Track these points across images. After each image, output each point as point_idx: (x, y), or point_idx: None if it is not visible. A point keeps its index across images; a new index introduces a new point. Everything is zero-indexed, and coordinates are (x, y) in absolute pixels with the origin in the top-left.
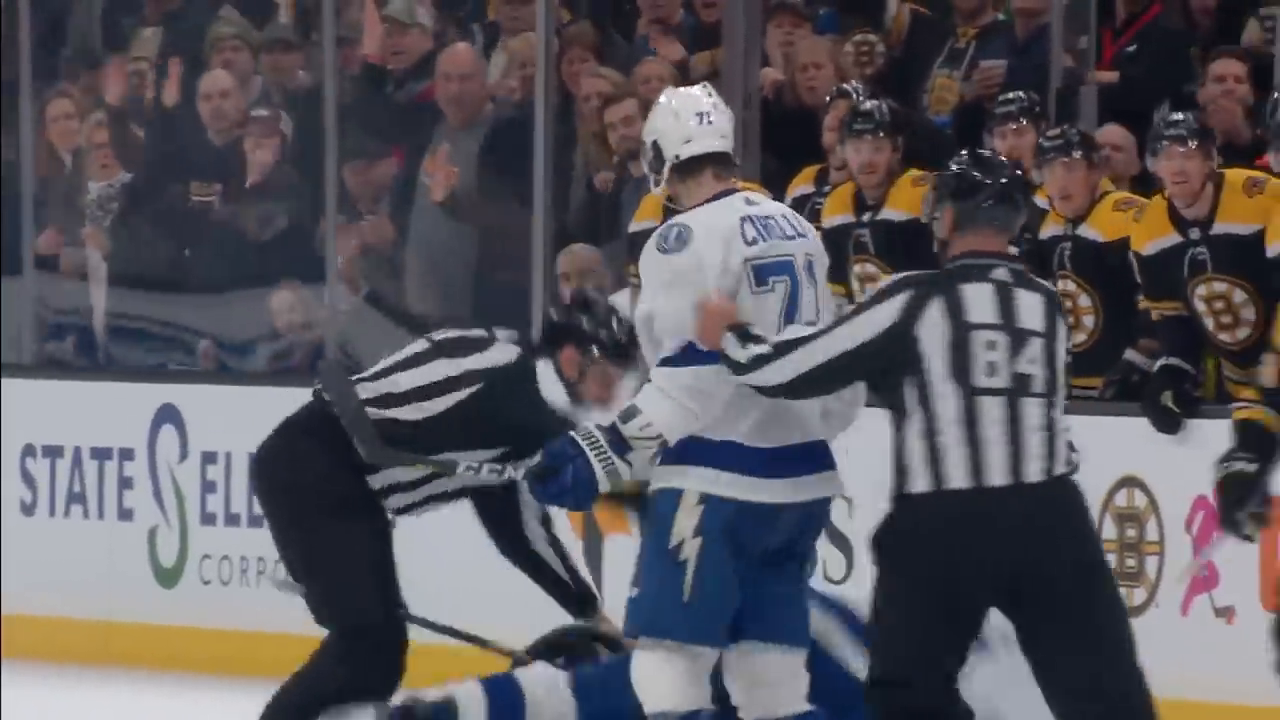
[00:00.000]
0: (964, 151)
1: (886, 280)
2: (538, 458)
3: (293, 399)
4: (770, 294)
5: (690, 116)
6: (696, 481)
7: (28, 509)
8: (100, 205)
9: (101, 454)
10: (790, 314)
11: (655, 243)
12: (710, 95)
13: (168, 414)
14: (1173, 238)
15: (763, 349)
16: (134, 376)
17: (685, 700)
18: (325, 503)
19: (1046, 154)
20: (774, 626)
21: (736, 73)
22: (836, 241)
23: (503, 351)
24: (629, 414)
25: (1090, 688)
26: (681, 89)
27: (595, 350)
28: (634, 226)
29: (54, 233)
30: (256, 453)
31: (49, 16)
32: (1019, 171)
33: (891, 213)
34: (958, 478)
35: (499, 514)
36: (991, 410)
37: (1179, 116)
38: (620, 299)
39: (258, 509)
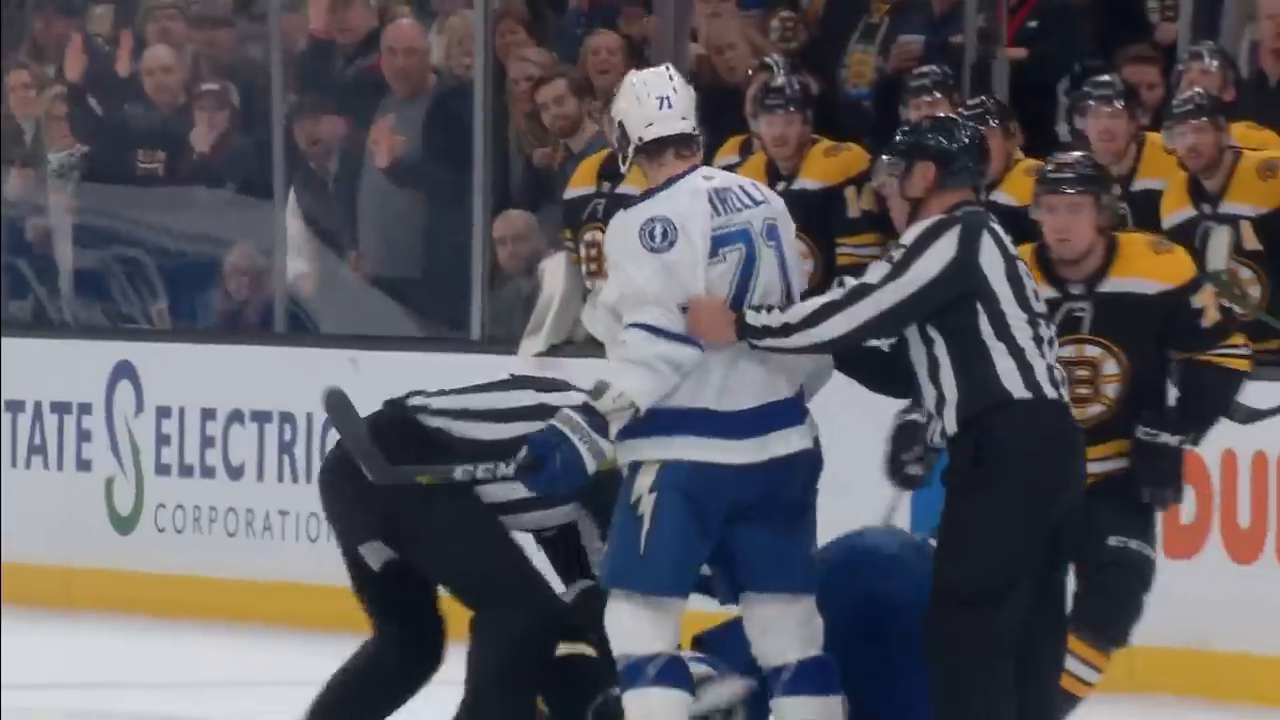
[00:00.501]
0: (931, 119)
1: (927, 223)
2: (523, 452)
3: (245, 355)
4: (722, 264)
5: (651, 100)
6: (652, 449)
7: None
8: (60, 173)
9: (61, 408)
10: (744, 280)
11: (639, 238)
12: (672, 77)
13: (124, 370)
14: (1188, 211)
15: (832, 295)
16: (92, 334)
17: (646, 644)
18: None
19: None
20: (770, 576)
21: (668, 48)
22: None
23: (577, 396)
24: (599, 390)
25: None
26: (646, 71)
27: None
28: (569, 193)
29: (18, 177)
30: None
31: None
32: (976, 128)
33: (805, 182)
34: (1049, 391)
35: (564, 558)
36: (1045, 333)
37: (1106, 78)
38: (553, 264)
39: (210, 460)
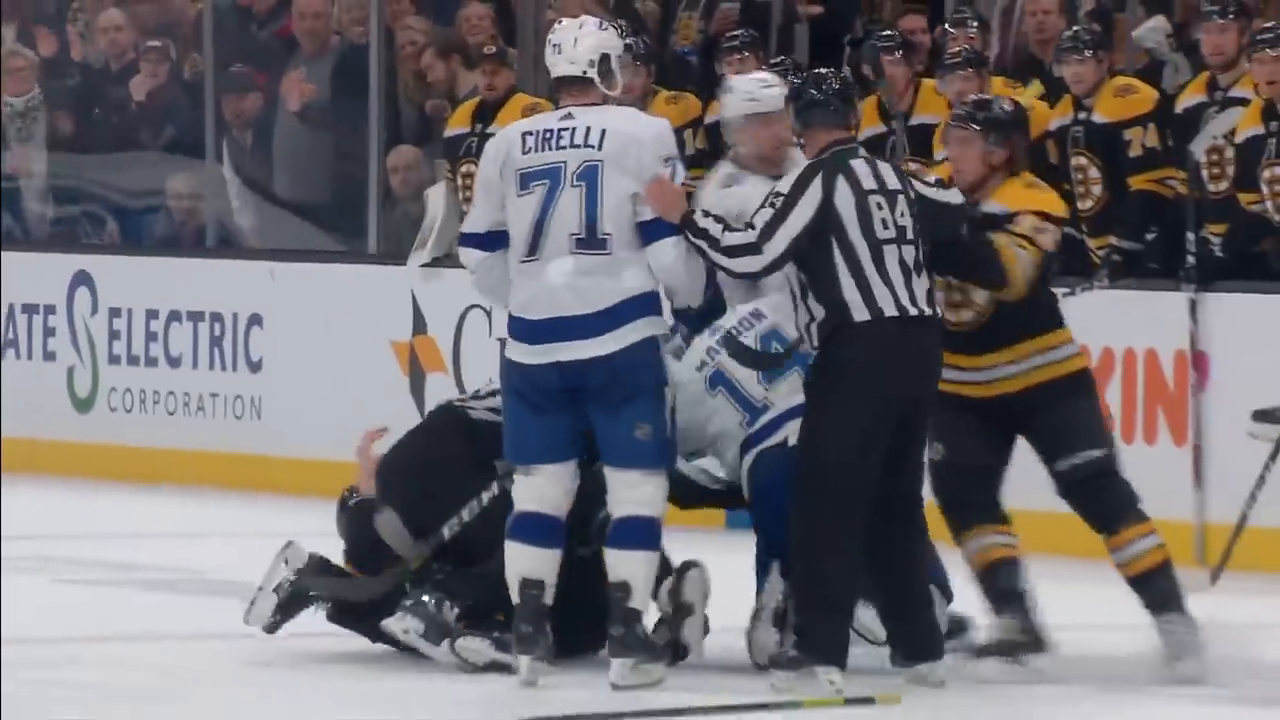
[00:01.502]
0: (805, 72)
1: (798, 170)
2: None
3: (181, 266)
4: (529, 196)
5: (549, 46)
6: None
7: None
8: (20, 116)
9: (30, 309)
10: (543, 214)
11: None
12: (570, 29)
13: (82, 278)
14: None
15: (747, 236)
16: (56, 248)
17: (521, 503)
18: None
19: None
20: (604, 450)
21: (529, 17)
22: None
23: None
24: None
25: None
26: (565, 22)
27: None
28: (448, 133)
29: None
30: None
31: None
32: (845, 77)
33: None
34: (888, 309)
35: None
36: (900, 257)
37: (888, 32)
38: (435, 191)
39: (153, 352)
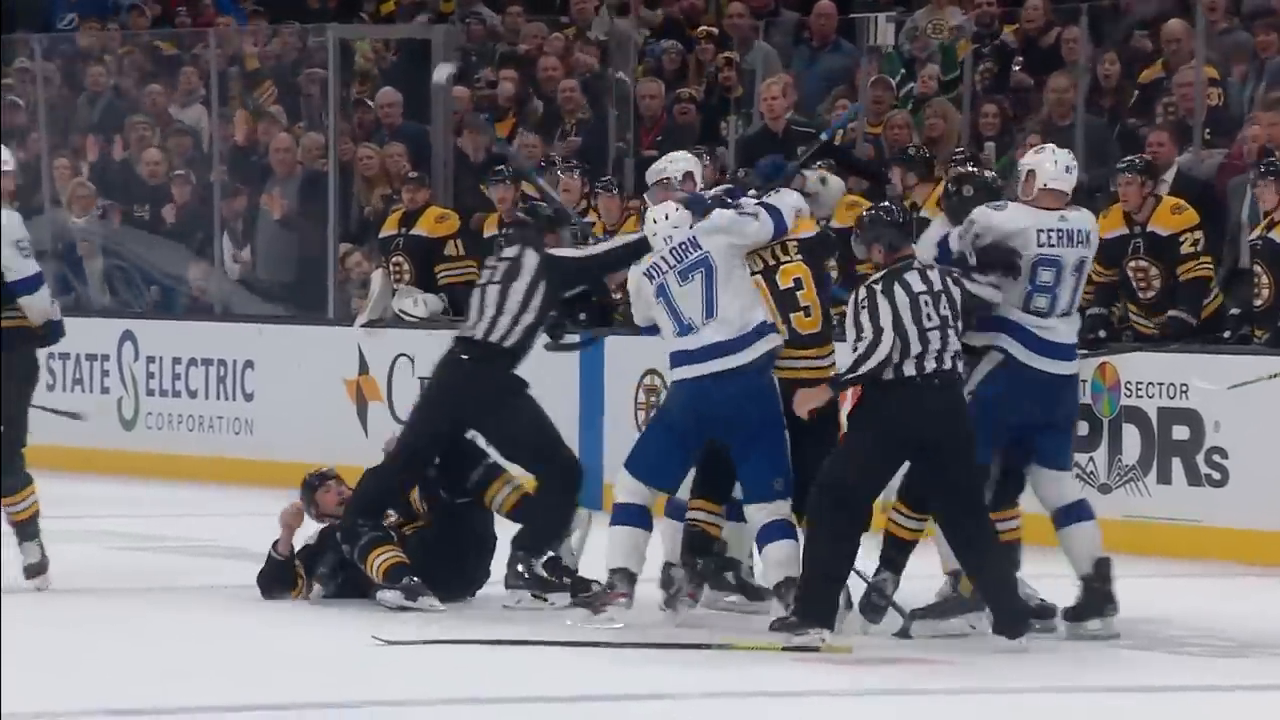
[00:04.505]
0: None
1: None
2: None
3: (198, 328)
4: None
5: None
6: None
7: None
8: (83, 230)
9: (91, 357)
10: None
11: None
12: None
13: (127, 335)
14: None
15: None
16: (108, 314)
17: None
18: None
19: None
20: None
21: (439, 144)
22: None
23: None
24: None
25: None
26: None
27: None
28: (382, 234)
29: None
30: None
31: None
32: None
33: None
34: (910, 371)
35: None
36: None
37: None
38: (375, 275)
39: (178, 387)
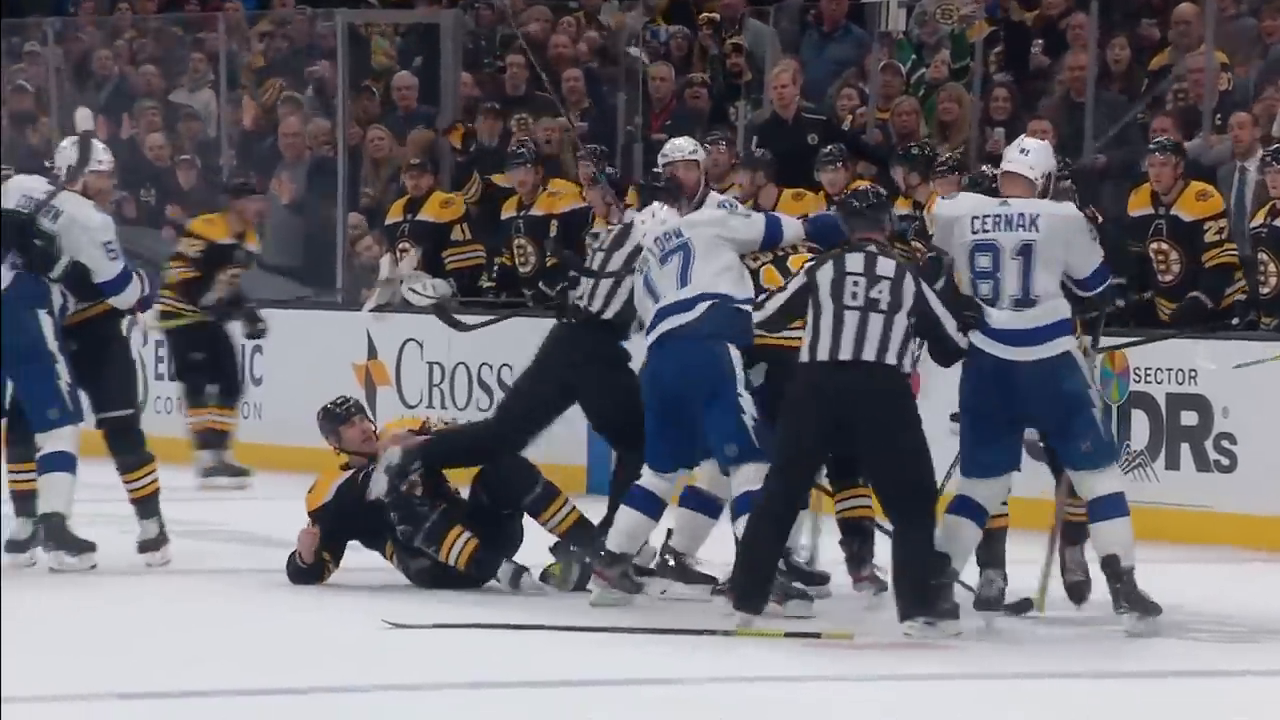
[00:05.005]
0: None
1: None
2: None
3: None
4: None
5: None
6: None
7: None
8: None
9: None
10: None
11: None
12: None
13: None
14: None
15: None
16: None
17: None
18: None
19: None
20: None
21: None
22: None
23: None
24: None
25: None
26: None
27: None
28: (388, 220)
29: None
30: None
31: None
32: (881, 191)
33: None
34: (822, 355)
35: None
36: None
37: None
38: (384, 260)
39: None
